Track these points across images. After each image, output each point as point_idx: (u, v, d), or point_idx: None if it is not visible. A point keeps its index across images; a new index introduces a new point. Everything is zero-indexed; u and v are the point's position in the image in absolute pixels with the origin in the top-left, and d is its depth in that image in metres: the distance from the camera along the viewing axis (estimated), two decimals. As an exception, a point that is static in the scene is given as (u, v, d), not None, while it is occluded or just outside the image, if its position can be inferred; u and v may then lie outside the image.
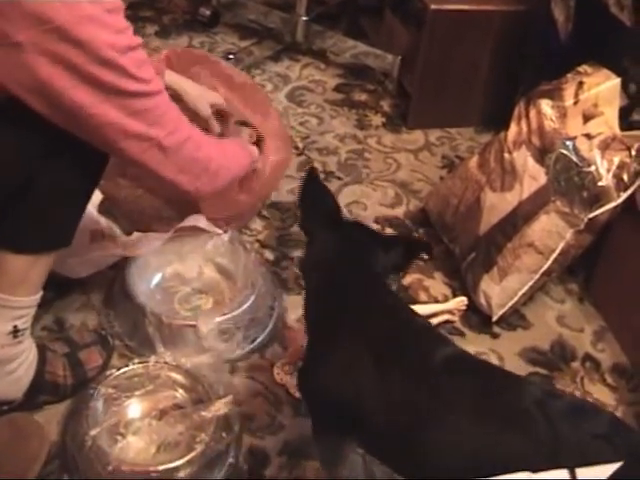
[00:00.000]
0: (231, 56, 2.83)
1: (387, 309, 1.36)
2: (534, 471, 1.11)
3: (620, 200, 1.90)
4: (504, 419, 1.17)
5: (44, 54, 1.20)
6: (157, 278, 1.98)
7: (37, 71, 1.21)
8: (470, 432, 1.17)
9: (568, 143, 1.93)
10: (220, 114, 1.99)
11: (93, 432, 1.54)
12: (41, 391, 1.64)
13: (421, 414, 1.20)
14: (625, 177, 1.89)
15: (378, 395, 1.24)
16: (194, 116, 1.84)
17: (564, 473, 0.80)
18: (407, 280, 2.10)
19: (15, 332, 1.51)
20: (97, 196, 1.86)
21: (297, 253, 2.14)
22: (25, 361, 1.58)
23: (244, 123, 2.07)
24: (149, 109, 1.37)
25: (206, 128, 1.89)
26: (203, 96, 1.92)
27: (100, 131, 1.32)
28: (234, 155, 1.78)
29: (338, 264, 1.41)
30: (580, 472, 0.78)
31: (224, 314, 1.83)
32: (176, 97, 1.80)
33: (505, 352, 1.95)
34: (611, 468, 0.78)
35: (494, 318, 2.00)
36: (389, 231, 2.27)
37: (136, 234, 1.93)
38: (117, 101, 1.30)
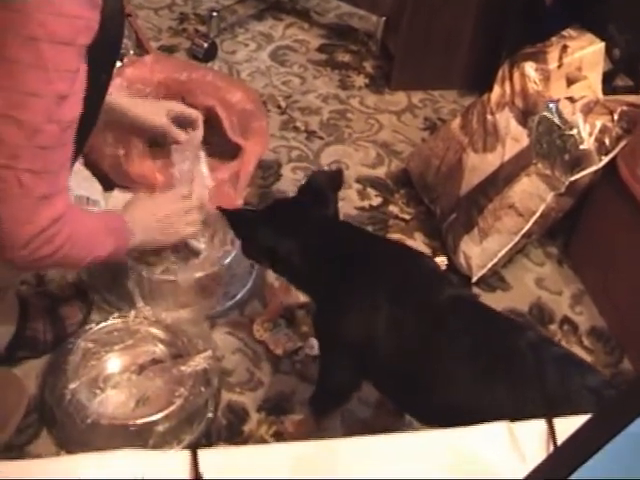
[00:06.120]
0: (214, 14, 2.80)
1: (395, 254, 1.43)
2: (515, 411, 1.14)
3: (601, 164, 1.91)
4: (496, 357, 1.25)
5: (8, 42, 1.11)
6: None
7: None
8: (464, 368, 1.25)
9: (551, 106, 1.93)
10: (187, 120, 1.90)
11: (72, 386, 1.54)
12: (21, 347, 1.64)
13: (425, 346, 1.28)
14: (607, 141, 1.89)
15: (391, 333, 1.32)
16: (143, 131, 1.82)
17: (541, 424, 0.80)
18: (388, 240, 2.10)
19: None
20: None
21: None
22: (7, 317, 1.57)
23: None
24: (39, 142, 1.16)
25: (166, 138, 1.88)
26: (155, 108, 1.84)
27: None
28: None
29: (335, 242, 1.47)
30: (558, 422, 0.79)
31: (204, 270, 1.82)
32: (121, 117, 1.77)
33: (484, 313, 1.96)
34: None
35: (474, 279, 2.01)
36: (370, 191, 2.28)
37: (117, 191, 1.92)
38: (14, 108, 1.13)
